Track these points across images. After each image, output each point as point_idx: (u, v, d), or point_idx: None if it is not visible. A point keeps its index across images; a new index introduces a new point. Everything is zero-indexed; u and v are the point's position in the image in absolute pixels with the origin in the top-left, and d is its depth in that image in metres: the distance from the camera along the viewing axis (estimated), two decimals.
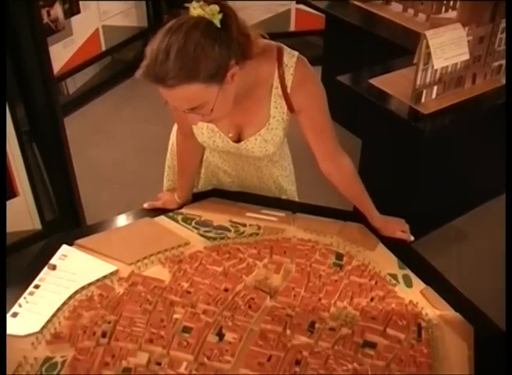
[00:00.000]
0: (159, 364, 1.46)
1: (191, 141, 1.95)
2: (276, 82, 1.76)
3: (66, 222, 3.04)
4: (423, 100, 2.96)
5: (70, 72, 4.56)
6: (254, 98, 1.79)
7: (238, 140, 1.89)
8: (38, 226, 2.93)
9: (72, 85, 4.86)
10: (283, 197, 2.21)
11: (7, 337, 1.50)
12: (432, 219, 3.42)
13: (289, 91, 1.76)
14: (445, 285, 1.79)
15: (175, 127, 2.16)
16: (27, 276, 1.73)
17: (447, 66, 2.88)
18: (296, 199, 2.27)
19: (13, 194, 2.76)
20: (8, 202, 2.69)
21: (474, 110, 3.06)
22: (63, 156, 2.91)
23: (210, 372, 1.43)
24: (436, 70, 2.86)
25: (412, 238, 1.96)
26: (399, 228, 1.96)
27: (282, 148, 2.06)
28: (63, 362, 1.46)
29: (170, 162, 2.28)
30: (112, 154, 4.24)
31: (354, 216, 2.00)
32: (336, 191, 1.93)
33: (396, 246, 1.90)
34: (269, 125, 1.83)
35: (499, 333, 1.61)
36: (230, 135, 1.86)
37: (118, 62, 5.31)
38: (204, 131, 1.87)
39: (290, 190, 2.23)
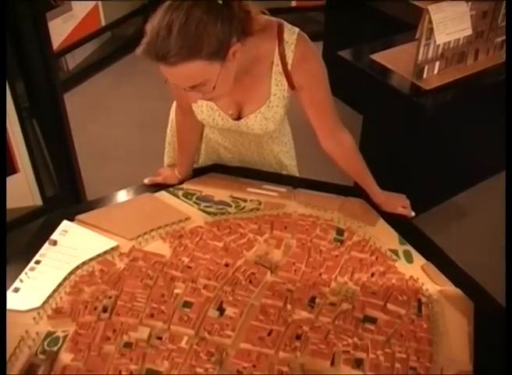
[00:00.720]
0: (160, 339, 1.46)
1: (190, 117, 1.94)
2: (277, 59, 1.74)
3: (67, 198, 3.04)
4: (425, 76, 2.95)
5: (70, 47, 4.53)
6: (255, 75, 1.77)
7: (238, 117, 1.88)
8: (39, 202, 2.93)
9: (72, 61, 4.84)
10: (284, 172, 2.20)
11: (9, 313, 1.50)
12: (432, 196, 3.42)
13: (289, 68, 1.74)
14: (445, 261, 1.79)
15: (174, 104, 2.15)
16: (28, 252, 1.73)
17: (449, 42, 2.86)
18: (297, 175, 2.26)
19: (13, 170, 2.75)
20: (8, 179, 2.68)
21: (476, 86, 3.04)
22: (63, 132, 2.90)
23: (211, 346, 1.44)
24: (438, 46, 2.84)
25: (413, 214, 1.96)
26: (400, 204, 1.95)
27: (282, 124, 2.05)
28: (65, 337, 1.47)
29: (170, 139, 2.28)
30: (112, 130, 4.23)
31: (355, 191, 2.00)
32: (337, 166, 1.92)
33: (396, 222, 1.90)
34: (270, 102, 1.82)
35: (499, 309, 1.61)
36: (230, 113, 1.85)
37: (118, 37, 5.28)
38: (203, 109, 1.86)
39: (291, 165, 2.23)
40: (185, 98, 1.83)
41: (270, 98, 1.80)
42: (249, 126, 1.87)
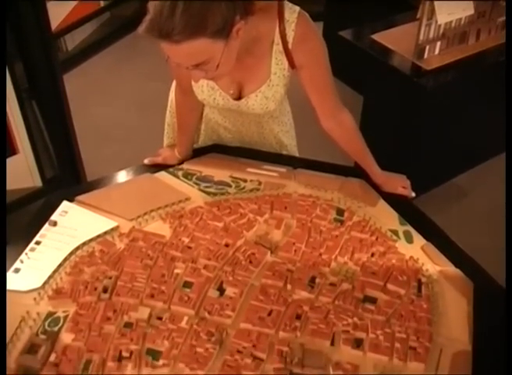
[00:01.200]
0: (160, 319, 1.46)
1: (190, 97, 1.93)
2: (277, 38, 1.73)
3: (67, 179, 3.03)
4: (426, 56, 2.93)
5: (68, 28, 4.49)
6: (255, 54, 1.76)
7: (238, 97, 1.87)
8: (39, 183, 2.93)
9: (71, 42, 4.80)
10: (284, 152, 2.20)
11: (9, 293, 1.51)
12: (432, 177, 3.41)
13: (290, 46, 1.73)
14: (445, 241, 1.79)
15: (174, 84, 2.14)
16: (28, 233, 1.73)
17: (451, 22, 2.85)
18: (297, 154, 2.26)
19: (13, 151, 2.74)
20: (8, 160, 2.68)
21: (478, 66, 3.03)
22: (63, 113, 2.89)
23: (211, 326, 1.44)
24: (440, 25, 2.83)
25: (413, 194, 1.96)
26: (400, 184, 1.95)
27: (282, 103, 2.04)
28: (65, 317, 1.47)
29: (170, 120, 2.27)
30: (112, 111, 4.21)
31: (355, 171, 2.00)
32: (337, 146, 1.92)
33: (397, 202, 1.89)
34: (270, 82, 1.81)
35: (499, 289, 1.62)
36: (231, 92, 1.84)
37: (117, 17, 5.23)
38: (204, 89, 1.85)
39: (291, 145, 2.22)
40: (185, 78, 1.83)
41: (270, 77, 1.80)
42: (249, 105, 1.86)
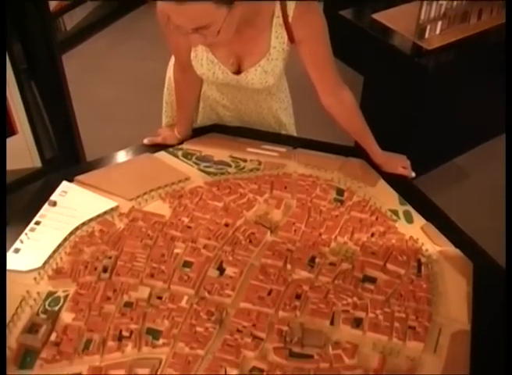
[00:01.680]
0: (160, 298, 1.47)
1: (189, 74, 1.92)
2: (278, 11, 1.73)
3: (66, 159, 3.03)
4: (427, 36, 2.92)
5: (67, 7, 4.47)
6: (256, 26, 1.76)
7: (238, 72, 1.86)
8: (38, 164, 2.92)
9: (70, 21, 4.76)
10: (283, 132, 2.19)
11: (10, 273, 1.51)
12: (433, 157, 3.41)
13: (290, 20, 1.72)
14: (445, 221, 1.79)
15: (171, 62, 2.13)
16: (28, 213, 1.73)
17: (452, 1, 2.82)
18: (295, 132, 2.26)
19: (12, 132, 2.74)
20: (7, 140, 2.67)
21: (479, 46, 3.01)
22: (62, 93, 2.87)
23: (210, 306, 1.44)
24: (441, 5, 2.81)
25: (413, 174, 1.95)
26: (400, 164, 1.95)
27: (280, 79, 2.03)
28: (65, 297, 1.48)
29: (168, 98, 2.25)
30: (111, 91, 4.19)
31: (355, 151, 1.99)
32: (337, 125, 1.91)
33: (397, 182, 1.89)
34: (269, 55, 1.80)
35: (498, 269, 1.62)
36: (231, 62, 1.84)
37: None
38: (203, 63, 1.84)
39: (289, 123, 2.22)
40: (184, 52, 1.83)
41: (270, 50, 1.79)
42: (248, 80, 1.86)
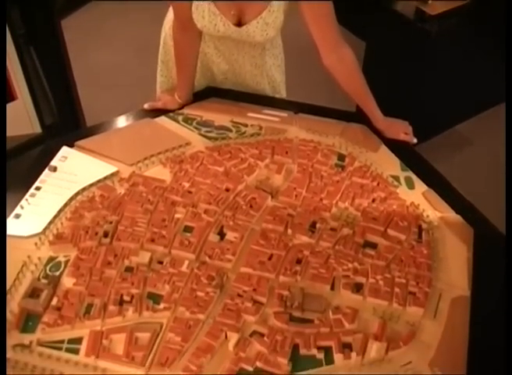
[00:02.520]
0: (161, 263, 1.47)
1: (189, 33, 1.91)
2: None
3: (66, 125, 3.01)
4: (430, 0, 2.88)
5: None
6: None
7: (239, 24, 1.85)
8: (38, 129, 2.91)
9: None
10: (277, 96, 2.20)
11: (11, 238, 1.51)
12: (435, 124, 3.39)
13: None
14: (447, 188, 1.78)
15: (166, 19, 2.13)
16: (28, 179, 1.73)
17: None
18: (285, 90, 2.26)
19: (11, 97, 2.72)
20: (6, 106, 2.66)
21: (482, 13, 2.98)
22: (61, 59, 2.85)
23: (211, 270, 1.45)
24: None
25: (415, 140, 1.94)
26: (402, 130, 1.94)
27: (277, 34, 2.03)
28: (66, 262, 1.48)
29: (163, 57, 2.24)
30: (111, 56, 4.17)
31: (357, 117, 1.98)
32: (339, 88, 1.89)
33: (398, 148, 1.88)
34: (271, 7, 1.79)
35: (499, 235, 1.62)
36: (232, 13, 1.82)
37: None
38: (205, 15, 1.82)
39: (282, 81, 2.23)
40: (186, 7, 1.82)
41: (271, 2, 1.78)
42: (250, 33, 1.85)
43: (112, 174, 1.73)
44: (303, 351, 1.29)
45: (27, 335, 1.31)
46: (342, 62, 1.85)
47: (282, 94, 2.25)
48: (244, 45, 1.97)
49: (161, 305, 1.37)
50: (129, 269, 1.46)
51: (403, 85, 3.20)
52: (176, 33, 1.98)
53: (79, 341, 1.30)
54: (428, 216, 1.65)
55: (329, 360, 1.28)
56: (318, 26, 1.80)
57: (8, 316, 1.33)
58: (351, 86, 1.90)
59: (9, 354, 1.26)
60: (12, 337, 1.30)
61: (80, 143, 1.84)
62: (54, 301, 1.37)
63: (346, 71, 1.87)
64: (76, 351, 1.28)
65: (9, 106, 2.69)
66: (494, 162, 3.20)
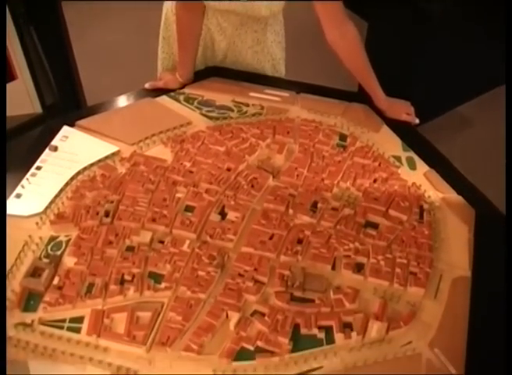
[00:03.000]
0: (162, 242, 1.47)
1: (192, 10, 1.91)
2: None
3: (67, 105, 3.01)
4: None
5: None
6: None
7: None
8: (39, 109, 2.91)
9: None
10: (276, 75, 2.20)
11: (12, 218, 1.51)
12: (436, 105, 3.38)
13: None
14: (448, 168, 1.78)
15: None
16: (29, 159, 1.72)
17: None
18: (284, 67, 2.25)
19: (11, 77, 2.71)
20: (6, 85, 2.65)
21: None
22: (62, 38, 2.84)
23: (212, 250, 1.44)
24: None
25: (417, 121, 1.94)
26: (404, 110, 1.93)
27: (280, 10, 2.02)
28: (67, 241, 1.47)
29: (165, 33, 2.22)
30: (112, 35, 4.15)
31: (359, 96, 1.97)
32: (341, 65, 1.88)
33: (400, 128, 1.88)
34: None
35: (500, 217, 1.61)
36: None
37: None
38: None
39: (282, 58, 2.22)
40: None
41: None
42: (255, 7, 1.86)
43: (113, 154, 1.73)
44: (303, 331, 1.29)
45: (29, 314, 1.31)
46: (344, 37, 1.84)
47: (282, 71, 2.25)
48: (248, 20, 1.96)
49: (163, 285, 1.37)
50: (130, 249, 1.45)
51: (405, 65, 3.18)
52: (179, 10, 1.96)
53: (80, 320, 1.30)
54: (429, 197, 1.65)
55: (330, 340, 1.29)
56: (323, 2, 1.79)
57: (10, 295, 1.33)
58: (353, 63, 1.89)
59: (11, 332, 1.27)
60: (14, 316, 1.30)
61: (80, 122, 1.84)
62: (55, 281, 1.37)
63: (349, 47, 1.86)
64: (77, 330, 1.28)
65: (10, 86, 2.69)
66: (494, 143, 3.20)
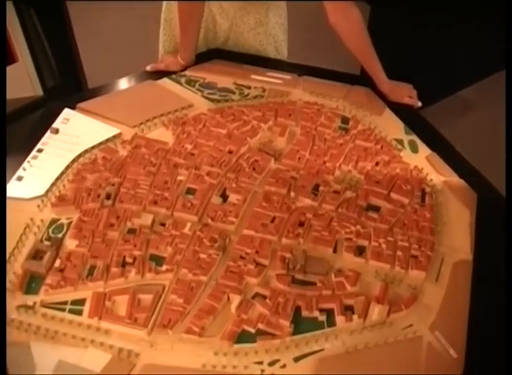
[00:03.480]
0: (163, 225, 1.46)
1: None
2: None
3: (68, 88, 3.00)
4: None
5: None
6: None
7: None
8: (40, 92, 2.90)
9: None
10: (278, 57, 2.19)
11: (13, 201, 1.51)
12: (439, 89, 3.37)
13: None
14: (450, 152, 1.77)
15: None
16: (30, 141, 1.71)
17: None
18: (286, 49, 2.24)
19: (12, 59, 2.70)
20: (7, 68, 2.64)
21: None
22: (63, 21, 2.83)
23: (214, 232, 1.44)
24: None
25: (419, 104, 1.94)
26: (406, 93, 1.93)
27: None
28: (69, 224, 1.47)
29: (167, 15, 2.20)
30: (114, 18, 4.13)
31: (361, 79, 1.96)
32: (344, 46, 1.87)
33: (403, 111, 1.87)
34: None
35: (502, 200, 1.61)
36: None
37: None
38: None
39: (284, 40, 2.21)
40: None
41: None
42: None
43: (114, 136, 1.72)
44: (305, 314, 1.29)
45: (31, 296, 1.31)
46: (347, 19, 1.83)
47: (284, 53, 2.24)
48: (250, 2, 1.96)
49: (164, 267, 1.37)
50: (131, 231, 1.45)
51: (408, 49, 3.17)
52: None
53: (82, 302, 1.30)
54: (431, 180, 1.64)
55: (331, 322, 1.29)
56: None
57: (12, 277, 1.33)
58: (356, 45, 1.88)
59: (13, 315, 1.27)
60: (16, 298, 1.30)
61: (81, 105, 1.83)
62: (57, 263, 1.37)
63: (351, 29, 1.85)
64: (79, 313, 1.28)
65: (10, 69, 2.68)
66: (497, 127, 3.19)
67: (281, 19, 2.14)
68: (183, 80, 1.94)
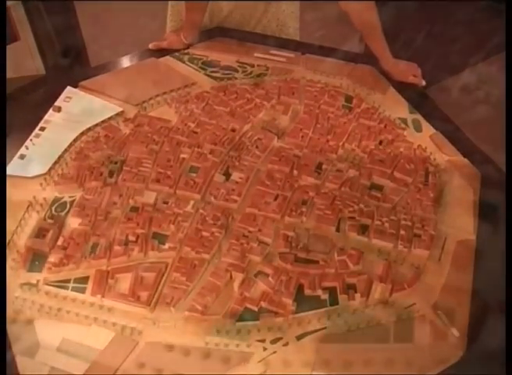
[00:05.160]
0: (166, 203, 1.46)
1: None
2: None
3: (70, 66, 2.98)
4: None
5: None
6: None
7: None
8: (42, 71, 2.89)
9: None
10: (283, 36, 2.17)
11: (16, 179, 1.51)
12: (444, 68, 3.35)
13: None
14: (454, 131, 1.76)
15: None
16: (33, 120, 1.71)
17: None
18: (298, 38, 2.22)
19: (13, 38, 2.69)
20: (8, 47, 2.62)
21: None
22: None
23: (216, 211, 1.44)
24: None
25: (424, 83, 1.92)
26: (411, 72, 1.92)
27: None
28: (72, 202, 1.47)
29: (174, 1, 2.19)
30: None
31: (365, 58, 1.95)
32: (351, 23, 1.86)
33: (407, 90, 1.86)
34: None
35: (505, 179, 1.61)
36: None
37: None
38: None
39: (294, 27, 2.18)
40: None
41: None
42: None
43: (117, 114, 1.72)
44: (307, 292, 1.29)
45: (34, 274, 1.31)
46: None
47: (290, 25, 2.20)
48: None
49: (166, 245, 1.37)
50: (134, 210, 1.45)
51: (413, 27, 3.15)
52: None
53: (85, 280, 1.31)
54: (435, 159, 1.64)
55: (334, 301, 1.29)
56: None
57: (15, 255, 1.33)
58: (364, 23, 1.86)
59: (17, 292, 1.27)
60: (20, 276, 1.30)
61: (84, 83, 1.83)
62: (59, 241, 1.37)
63: (361, 7, 1.83)
64: (82, 290, 1.29)
65: (12, 47, 2.66)
66: (500, 108, 3.18)
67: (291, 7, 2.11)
68: (185, 58, 1.94)
